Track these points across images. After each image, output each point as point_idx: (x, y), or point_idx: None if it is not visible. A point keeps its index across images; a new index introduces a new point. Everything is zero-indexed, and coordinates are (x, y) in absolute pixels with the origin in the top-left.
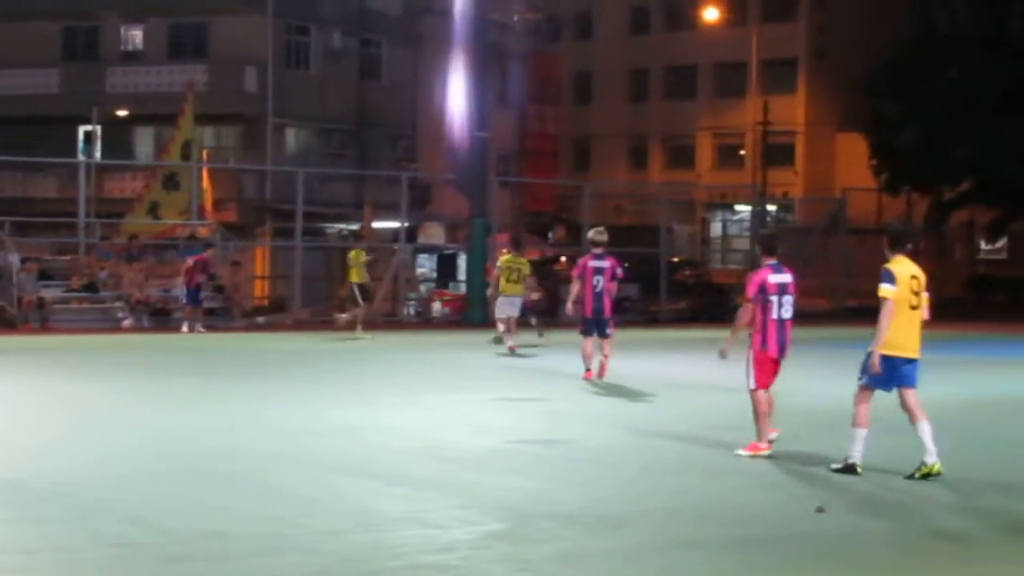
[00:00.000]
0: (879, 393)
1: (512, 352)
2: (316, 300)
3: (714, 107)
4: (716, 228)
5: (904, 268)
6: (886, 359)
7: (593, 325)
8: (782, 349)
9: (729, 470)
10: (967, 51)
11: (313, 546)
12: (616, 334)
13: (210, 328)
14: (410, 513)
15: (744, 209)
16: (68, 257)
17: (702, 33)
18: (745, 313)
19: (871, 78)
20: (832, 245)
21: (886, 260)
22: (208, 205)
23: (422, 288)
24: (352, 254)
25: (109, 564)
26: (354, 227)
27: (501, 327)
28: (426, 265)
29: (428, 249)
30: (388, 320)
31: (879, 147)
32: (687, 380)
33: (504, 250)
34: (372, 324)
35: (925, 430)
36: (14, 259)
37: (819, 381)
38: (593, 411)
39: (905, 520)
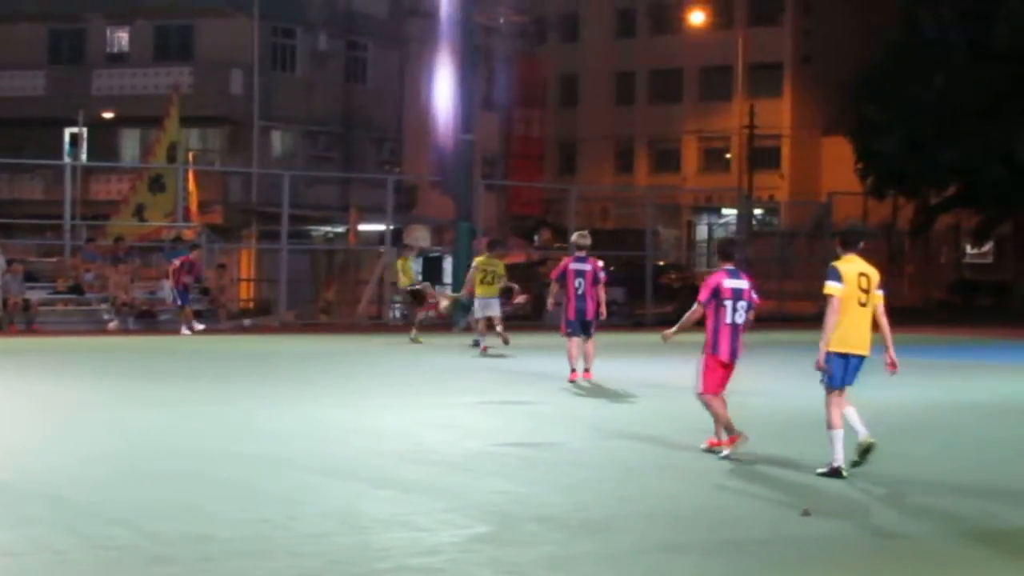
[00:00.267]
0: (860, 400)
1: (484, 352)
2: (301, 302)
3: (700, 110)
4: (702, 231)
5: (852, 266)
6: (839, 356)
7: (578, 327)
8: (733, 354)
9: (714, 473)
10: (953, 55)
11: (299, 548)
12: (601, 337)
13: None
14: (396, 516)
15: (730, 212)
16: (54, 259)
17: (688, 36)
18: (694, 314)
19: (857, 82)
20: (818, 249)
21: (836, 258)
22: (194, 207)
23: None
24: (399, 263)
25: (94, 566)
26: (340, 229)
27: (481, 327)
28: (414, 267)
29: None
30: (373, 323)
31: (865, 151)
32: (672, 383)
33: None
34: (357, 327)
35: (851, 414)
36: (0, 261)
37: (803, 384)
38: (578, 414)
39: (890, 524)
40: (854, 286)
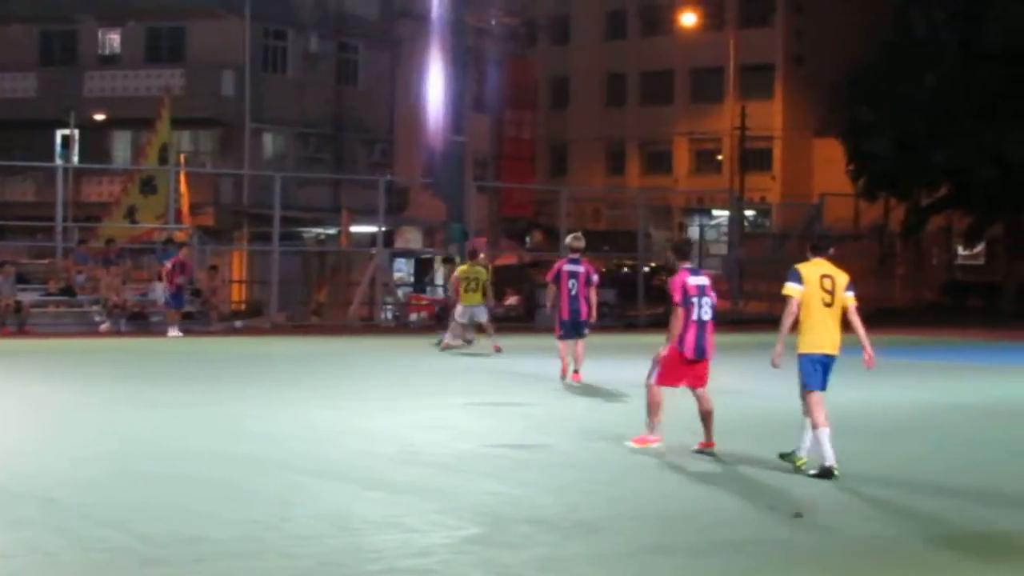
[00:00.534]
0: (852, 401)
1: (443, 350)
2: (293, 304)
3: (691, 112)
4: (693, 233)
5: (816, 269)
6: (807, 357)
7: (571, 327)
8: (701, 350)
9: (704, 475)
10: (944, 57)
11: (291, 550)
12: (593, 339)
13: (187, 332)
14: (388, 517)
15: (721, 214)
16: (46, 261)
17: (679, 38)
18: (677, 319)
19: (848, 83)
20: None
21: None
22: (185, 209)
23: (399, 292)
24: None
25: (86, 568)
26: (331, 231)
27: (457, 331)
28: (403, 269)
29: (405, 253)
30: (365, 324)
31: (856, 152)
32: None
33: (482, 254)
34: (349, 329)
35: (809, 430)
36: None
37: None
38: (570, 415)
39: (882, 525)
40: (816, 287)
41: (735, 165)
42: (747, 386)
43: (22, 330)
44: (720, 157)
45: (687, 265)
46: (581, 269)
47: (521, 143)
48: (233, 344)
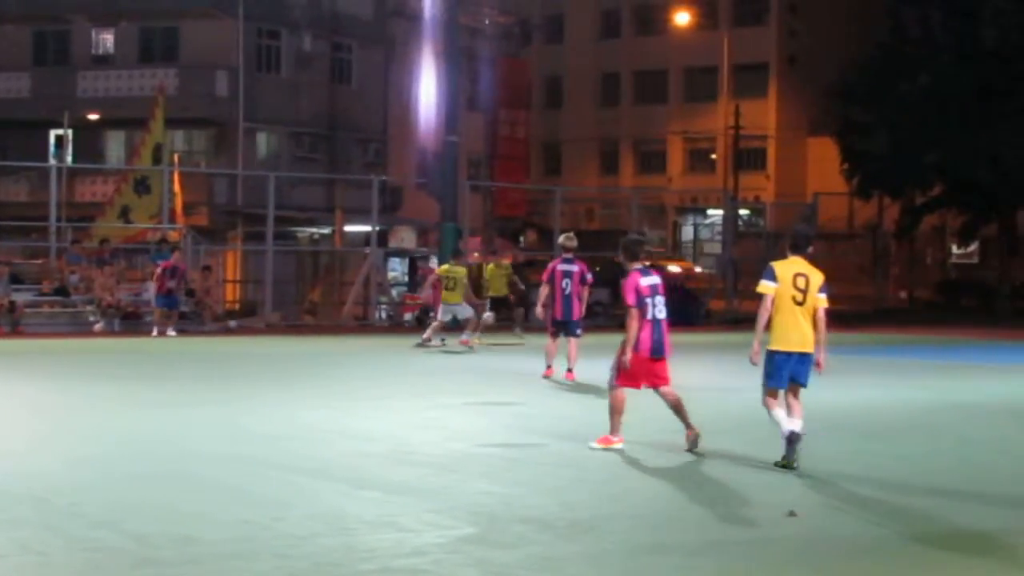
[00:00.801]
0: (843, 401)
1: (425, 344)
2: (287, 304)
3: (685, 111)
4: (687, 232)
5: (790, 267)
6: (773, 353)
7: (562, 327)
8: (657, 349)
9: (699, 474)
10: (938, 56)
11: (285, 550)
12: (586, 338)
13: (181, 332)
14: (382, 517)
15: (715, 213)
16: (39, 261)
17: (673, 37)
18: (633, 320)
19: (842, 83)
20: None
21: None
22: (179, 209)
23: (393, 292)
24: (490, 267)
25: (80, 568)
26: (325, 231)
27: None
28: (397, 269)
29: (399, 253)
30: (359, 324)
31: (850, 151)
32: None
33: (476, 253)
34: (343, 328)
35: (795, 425)
36: None
37: None
38: (563, 414)
39: (878, 524)
40: (789, 285)
41: (729, 164)
42: (740, 384)
43: (16, 330)
44: (714, 156)
45: (637, 266)
46: (575, 268)
47: (515, 143)
48: (227, 344)
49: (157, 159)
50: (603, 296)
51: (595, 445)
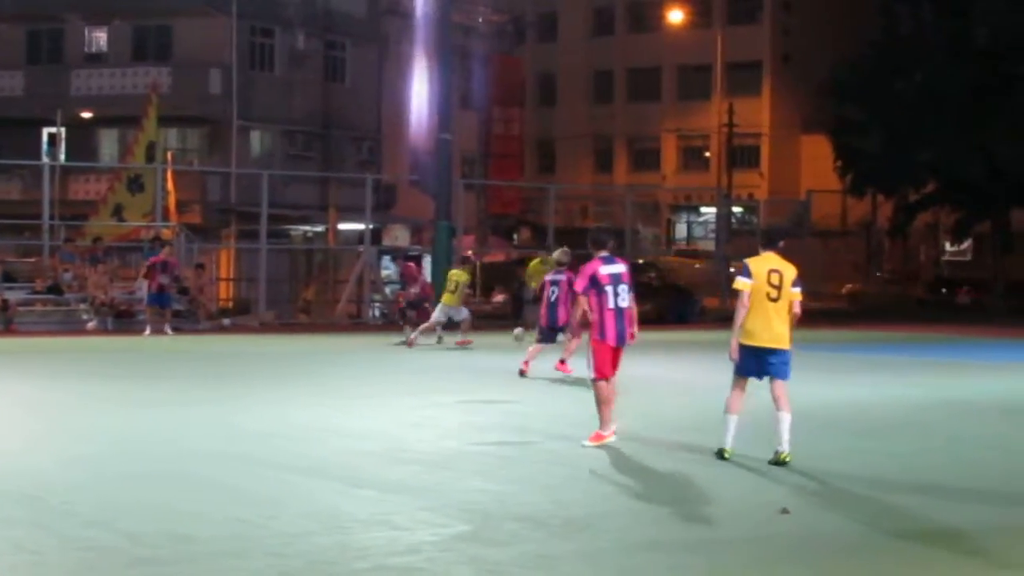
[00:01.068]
0: (836, 398)
1: (411, 346)
2: (281, 302)
3: (679, 109)
4: (681, 230)
5: (764, 263)
6: (746, 348)
7: (549, 332)
8: (620, 338)
9: (692, 471)
10: (931, 54)
11: (279, 548)
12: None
13: (175, 331)
14: (376, 515)
15: (709, 211)
16: (32, 259)
17: (666, 35)
18: (577, 308)
19: (836, 81)
20: (796, 247)
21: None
22: (172, 207)
23: (387, 290)
24: (534, 263)
25: (74, 568)
26: (319, 229)
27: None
28: (391, 267)
29: (393, 251)
30: (353, 322)
31: (844, 149)
32: (650, 382)
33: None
34: (337, 326)
35: (784, 420)
36: None
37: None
38: (557, 412)
39: (869, 521)
40: (763, 281)
41: (723, 162)
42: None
43: (9, 329)
44: (708, 154)
45: (602, 254)
46: (562, 277)
47: (508, 140)
48: (221, 342)
49: (150, 157)
50: None
51: (587, 443)
